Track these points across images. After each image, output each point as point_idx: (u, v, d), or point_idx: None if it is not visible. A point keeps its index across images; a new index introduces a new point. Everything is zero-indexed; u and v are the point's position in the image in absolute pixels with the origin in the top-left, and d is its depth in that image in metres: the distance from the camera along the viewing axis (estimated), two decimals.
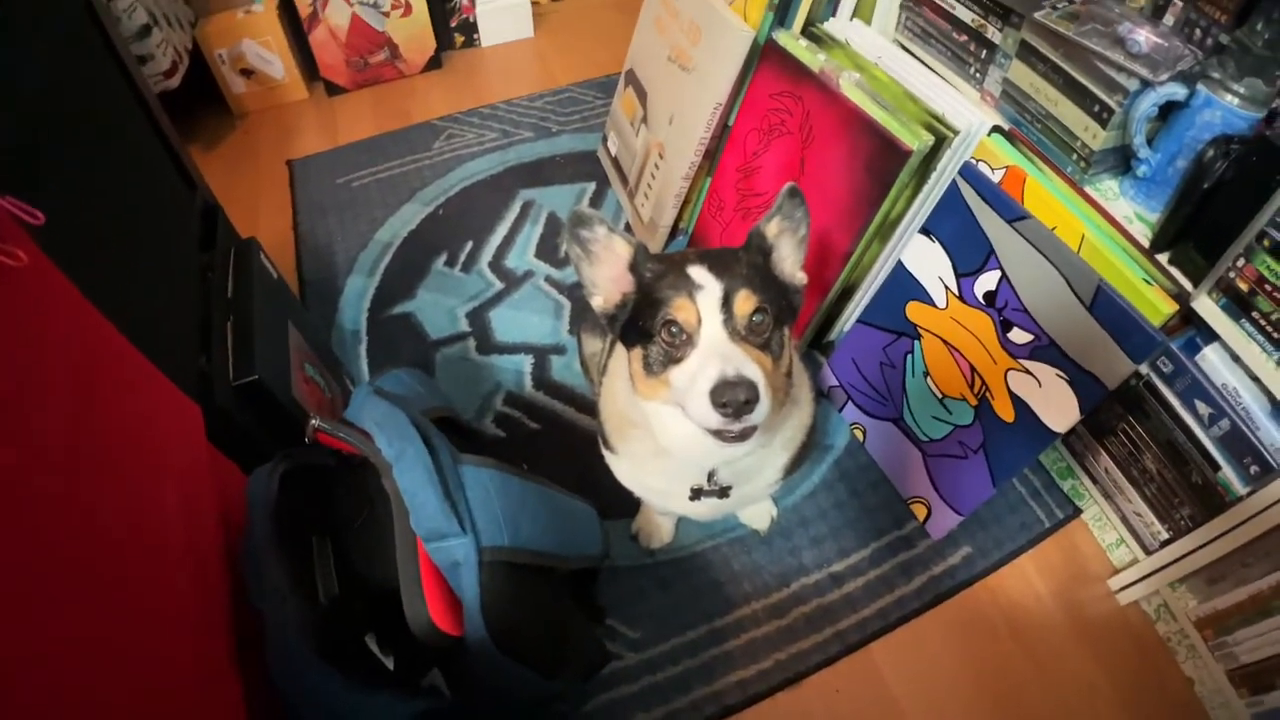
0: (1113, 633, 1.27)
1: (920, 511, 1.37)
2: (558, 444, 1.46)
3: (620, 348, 0.95)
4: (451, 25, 2.38)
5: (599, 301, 0.90)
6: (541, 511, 0.86)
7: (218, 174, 1.97)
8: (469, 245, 1.81)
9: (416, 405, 0.89)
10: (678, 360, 0.81)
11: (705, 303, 0.80)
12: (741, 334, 0.81)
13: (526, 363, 1.59)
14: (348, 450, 0.87)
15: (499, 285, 1.73)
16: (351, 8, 2.15)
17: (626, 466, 1.05)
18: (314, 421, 0.86)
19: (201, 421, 0.97)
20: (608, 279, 0.89)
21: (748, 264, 0.86)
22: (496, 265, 1.77)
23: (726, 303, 0.80)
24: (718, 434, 0.79)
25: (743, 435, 0.79)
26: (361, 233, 1.84)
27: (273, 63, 2.15)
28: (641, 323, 0.85)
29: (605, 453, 1.08)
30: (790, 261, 0.94)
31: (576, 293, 1.71)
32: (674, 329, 0.81)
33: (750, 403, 0.74)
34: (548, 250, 1.80)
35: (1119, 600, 1.30)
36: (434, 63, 2.34)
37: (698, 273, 0.82)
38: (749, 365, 0.76)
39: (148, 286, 1.06)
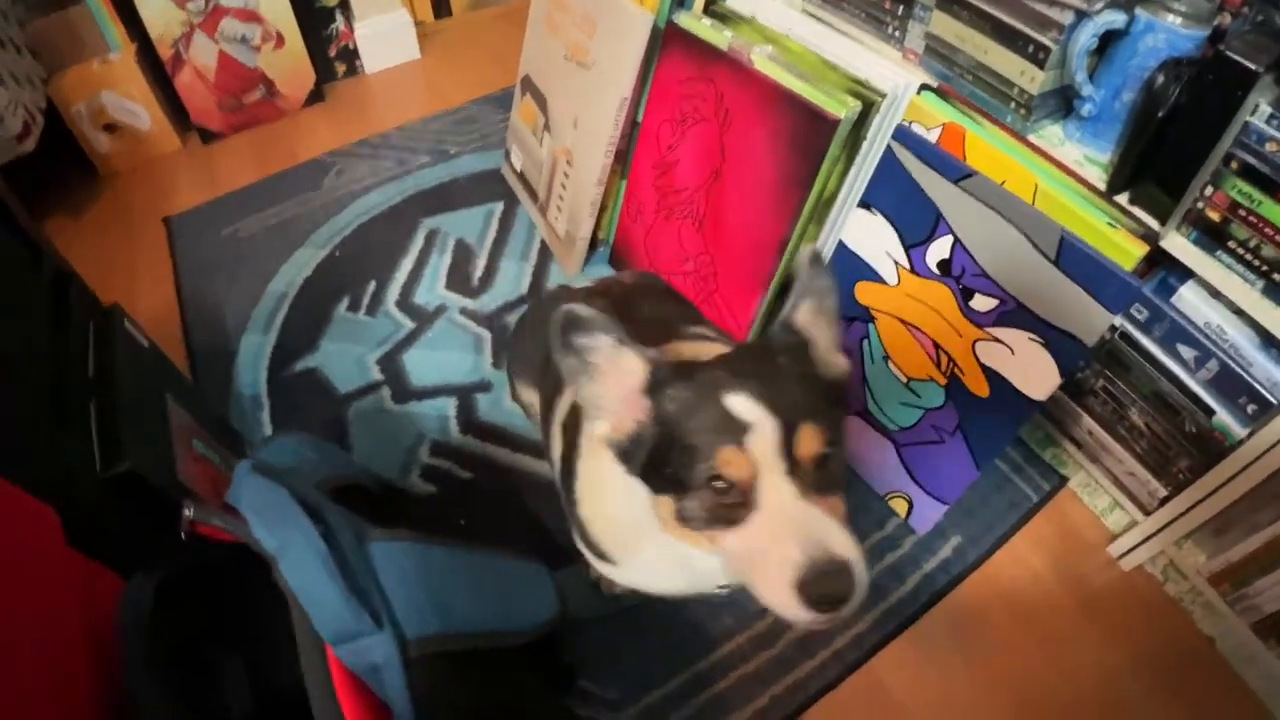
0: (1121, 601, 1.20)
1: (901, 506, 1.26)
2: (495, 491, 1.32)
3: (599, 469, 0.76)
4: (330, 54, 2.22)
5: (603, 428, 0.68)
6: (477, 583, 0.72)
7: (88, 243, 1.79)
8: (372, 285, 1.65)
9: (311, 477, 0.74)
10: (730, 522, 0.63)
11: (761, 449, 0.61)
12: (811, 482, 0.62)
13: (450, 406, 1.44)
14: (236, 540, 0.71)
15: (410, 325, 1.57)
16: (218, 45, 1.97)
17: (632, 574, 0.86)
18: (187, 513, 0.70)
19: (58, 525, 0.81)
20: (615, 399, 0.67)
21: (796, 377, 0.65)
22: (405, 303, 1.62)
23: (787, 443, 0.61)
24: (799, 618, 0.60)
25: (832, 618, 0.60)
26: (253, 286, 1.67)
27: (137, 113, 1.96)
28: (670, 469, 0.65)
29: (591, 558, 0.87)
30: (825, 346, 0.71)
31: (497, 323, 1.57)
32: (721, 485, 0.62)
33: (848, 596, 0.58)
34: (459, 280, 1.66)
35: (1122, 566, 1.22)
36: (315, 96, 2.17)
37: (741, 404, 0.62)
38: (836, 532, 0.59)
39: None
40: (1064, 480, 1.31)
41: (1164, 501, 1.13)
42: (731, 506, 0.62)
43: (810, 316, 0.69)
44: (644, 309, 1.01)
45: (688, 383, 0.65)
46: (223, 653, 0.79)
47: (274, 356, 1.53)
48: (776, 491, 0.61)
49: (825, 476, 0.63)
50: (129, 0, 1.86)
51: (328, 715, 0.57)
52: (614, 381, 0.67)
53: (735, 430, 0.61)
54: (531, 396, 1.16)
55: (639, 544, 0.80)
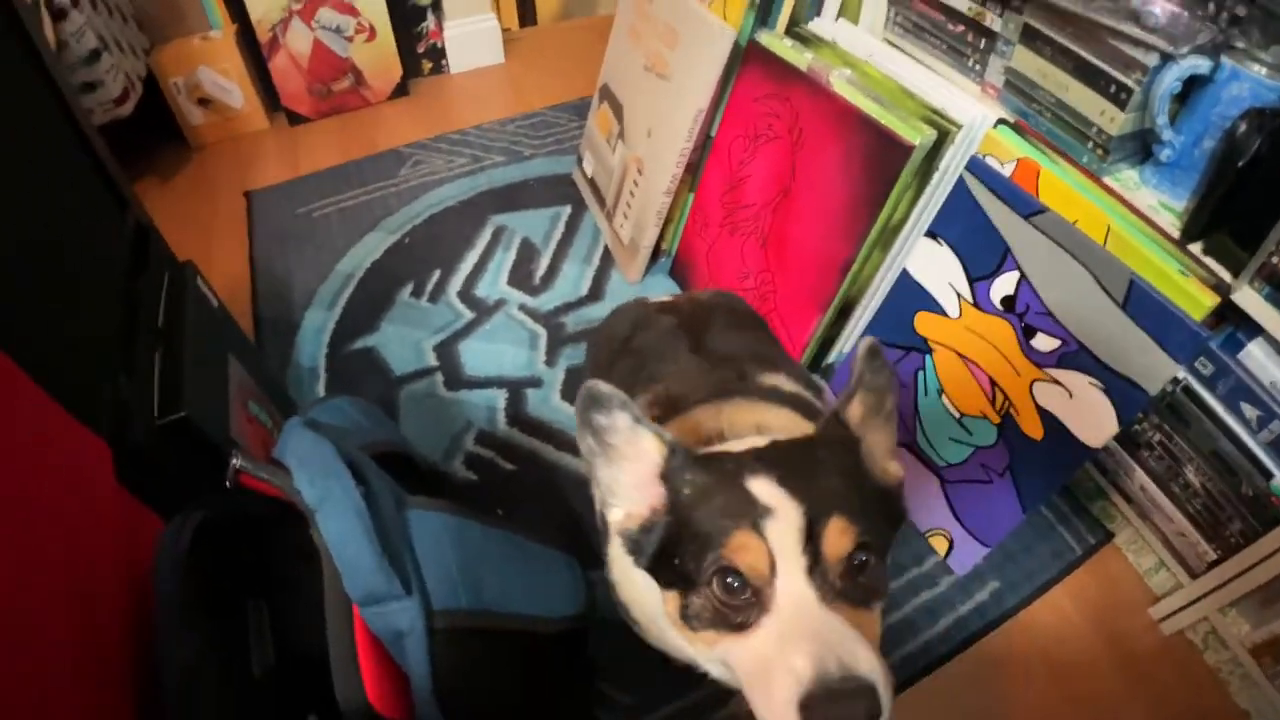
0: (1157, 666, 1.15)
1: (941, 545, 1.23)
2: (536, 486, 1.33)
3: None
4: (419, 51, 2.29)
5: (618, 515, 0.62)
6: (510, 565, 0.73)
7: (172, 207, 1.87)
8: (436, 274, 1.69)
9: (357, 439, 0.76)
10: (738, 626, 0.54)
11: (780, 538, 0.53)
12: (838, 588, 0.53)
13: (500, 398, 1.45)
14: (279, 495, 0.73)
15: (469, 315, 1.60)
16: (314, 33, 2.05)
17: (660, 643, 0.77)
18: (235, 462, 0.72)
19: (109, 461, 0.84)
20: (630, 485, 0.61)
21: (835, 469, 0.59)
22: (466, 295, 1.65)
23: (811, 537, 0.53)
24: None
25: None
26: (322, 264, 1.72)
27: (231, 91, 2.04)
28: (679, 560, 0.57)
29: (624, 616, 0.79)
30: (881, 450, 0.64)
31: (554, 321, 1.58)
32: (731, 581, 0.54)
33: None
34: (521, 277, 1.68)
35: (1163, 630, 1.17)
36: (400, 89, 2.24)
37: (763, 489, 0.55)
38: (858, 647, 0.50)
39: (54, 310, 0.93)
40: (1110, 535, 1.27)
41: (1213, 565, 1.08)
42: (741, 608, 0.54)
43: (864, 414, 0.62)
44: (716, 337, 0.96)
45: (707, 467, 0.59)
46: (251, 604, 0.80)
47: (335, 332, 1.58)
48: (793, 593, 0.52)
49: (856, 587, 0.54)
50: None
51: (347, 675, 0.58)
52: (630, 464, 0.61)
53: (753, 515, 0.54)
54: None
55: (664, 628, 0.70)
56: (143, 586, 0.77)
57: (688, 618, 0.57)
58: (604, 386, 0.59)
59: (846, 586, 0.54)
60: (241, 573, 0.83)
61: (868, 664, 0.49)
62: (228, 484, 0.73)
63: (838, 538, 0.53)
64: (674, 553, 0.58)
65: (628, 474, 0.61)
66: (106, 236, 1.12)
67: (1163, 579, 1.20)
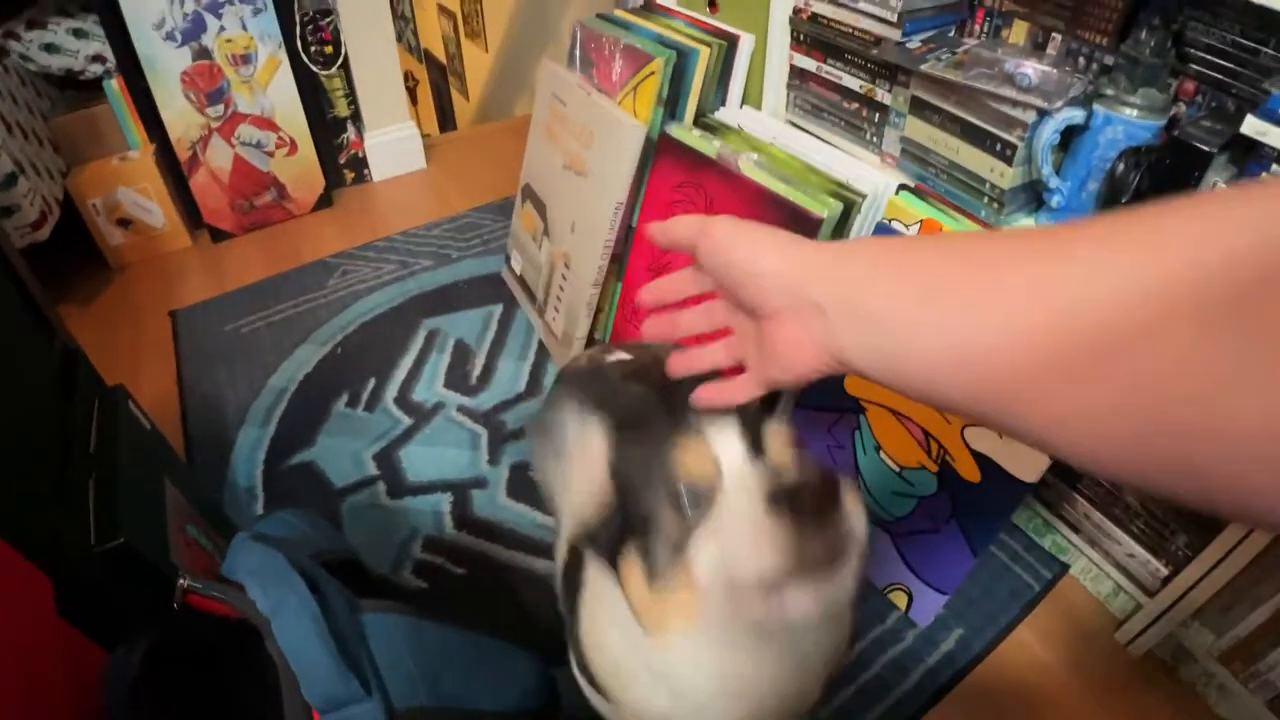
0: (1133, 689, 1.16)
1: (900, 599, 1.25)
2: (489, 588, 1.30)
3: (599, 585, 0.64)
4: (341, 162, 2.32)
5: (569, 524, 0.61)
6: (468, 660, 0.71)
7: (95, 330, 1.83)
8: (372, 382, 1.68)
9: (306, 549, 0.74)
10: (695, 529, 0.52)
11: (721, 440, 0.54)
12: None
13: (445, 502, 1.43)
14: (230, 614, 0.71)
15: (407, 421, 1.59)
16: (234, 149, 2.07)
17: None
18: (182, 582, 0.70)
19: (50, 594, 0.80)
20: (582, 483, 0.61)
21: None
22: (403, 400, 1.64)
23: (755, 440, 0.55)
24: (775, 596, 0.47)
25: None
26: (253, 380, 1.70)
27: (152, 211, 2.03)
28: (629, 520, 0.56)
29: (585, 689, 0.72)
30: None
31: (494, 420, 1.58)
32: (681, 491, 0.53)
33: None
34: (457, 378, 1.68)
35: (1131, 653, 1.19)
36: (324, 200, 2.26)
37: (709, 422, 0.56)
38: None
39: None
40: (1065, 567, 1.30)
41: (1166, 581, 1.12)
42: (696, 507, 0.52)
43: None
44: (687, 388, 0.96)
45: (651, 435, 0.58)
46: None
47: (270, 449, 1.54)
48: (739, 467, 0.52)
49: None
50: (151, 102, 1.96)
51: None
52: (580, 463, 0.61)
53: (696, 427, 0.55)
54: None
55: (634, 682, 0.65)
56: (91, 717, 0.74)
57: (653, 565, 0.54)
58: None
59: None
60: (194, 702, 0.79)
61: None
62: (175, 606, 0.71)
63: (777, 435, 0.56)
64: (624, 520, 0.57)
65: (577, 473, 0.62)
66: (33, 363, 1.10)
67: (1123, 602, 1.23)
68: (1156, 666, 1.19)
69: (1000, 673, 1.20)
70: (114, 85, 1.94)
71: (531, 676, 0.81)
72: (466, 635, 0.72)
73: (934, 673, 1.19)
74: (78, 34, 1.92)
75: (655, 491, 0.54)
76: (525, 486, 1.45)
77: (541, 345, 1.75)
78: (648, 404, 0.94)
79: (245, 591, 0.65)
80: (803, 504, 0.47)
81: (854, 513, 0.49)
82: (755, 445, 0.54)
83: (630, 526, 0.56)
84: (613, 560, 0.58)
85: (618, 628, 0.62)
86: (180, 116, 2.00)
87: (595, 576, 0.67)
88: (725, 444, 0.54)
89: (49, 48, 1.91)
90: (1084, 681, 1.18)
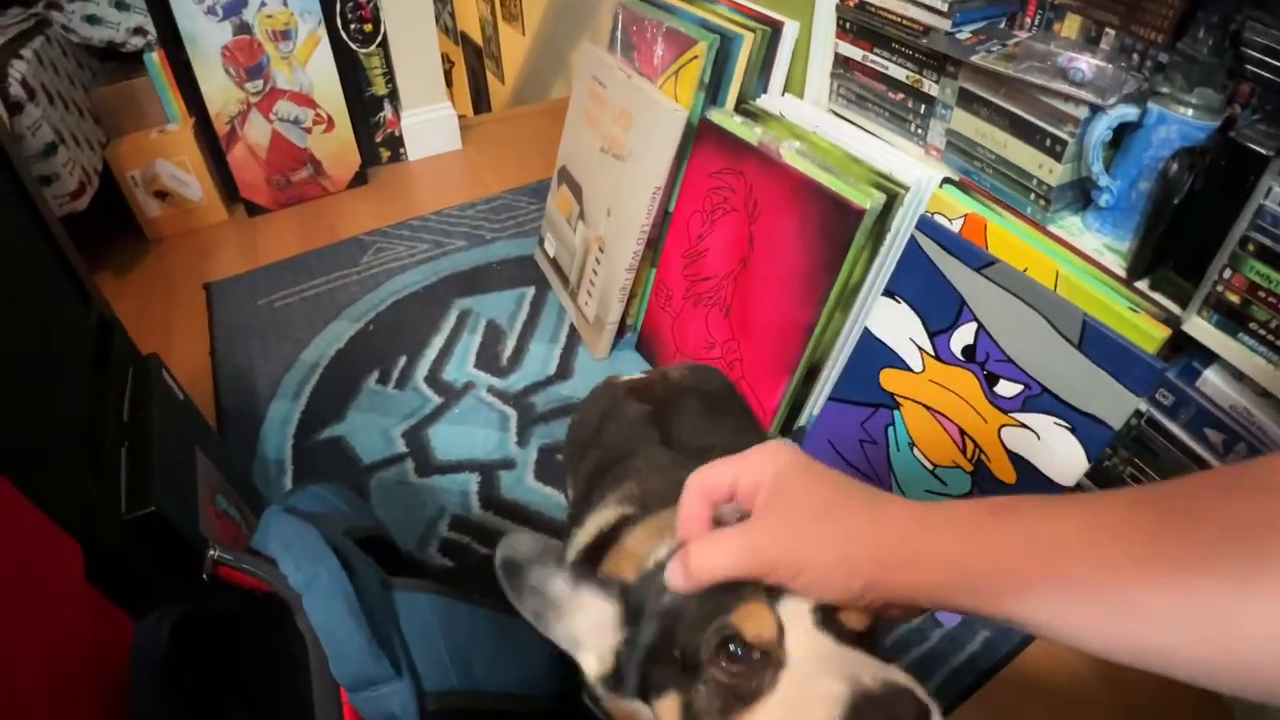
0: (1161, 701, 1.15)
1: None
2: None
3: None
4: (377, 140, 2.33)
5: (592, 663, 0.55)
6: (497, 644, 0.71)
7: (130, 301, 1.85)
8: (402, 361, 1.68)
9: (339, 524, 0.74)
10: (750, 698, 0.46)
11: (788, 603, 0.47)
12: (851, 639, 0.46)
13: (473, 482, 1.44)
14: (259, 587, 0.71)
15: (437, 400, 1.59)
16: (272, 125, 2.08)
17: None
18: (213, 553, 0.70)
19: (80, 560, 0.81)
20: (592, 629, 0.55)
21: None
22: (434, 379, 1.64)
23: (820, 609, 0.47)
24: None
25: None
26: (285, 355, 1.71)
27: (189, 184, 2.05)
28: (665, 663, 0.51)
29: None
30: None
31: (524, 402, 1.58)
32: (737, 649, 0.46)
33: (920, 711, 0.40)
34: (488, 359, 1.68)
35: None
36: (359, 179, 2.27)
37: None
38: (889, 669, 0.43)
39: (19, 406, 0.91)
40: None
41: None
42: (750, 674, 0.46)
43: None
44: (687, 428, 0.92)
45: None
46: (230, 705, 0.77)
47: (301, 423, 1.55)
48: (805, 642, 0.46)
49: (870, 644, 0.47)
50: (191, 75, 1.98)
51: None
52: (584, 614, 0.55)
53: (755, 586, 0.47)
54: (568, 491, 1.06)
55: None
56: (115, 688, 0.74)
57: (694, 716, 0.49)
58: (522, 549, 0.53)
59: (859, 639, 0.47)
60: (219, 675, 0.79)
61: (903, 677, 0.42)
62: (205, 577, 0.71)
63: (848, 614, 0.47)
64: (657, 659, 0.51)
65: (584, 622, 0.55)
66: (70, 332, 1.11)
67: None
68: None
69: (1026, 675, 1.18)
70: (154, 58, 1.95)
71: (552, 661, 0.80)
72: (495, 618, 0.71)
73: (959, 674, 1.17)
74: (120, 6, 1.94)
75: (708, 634, 0.48)
76: (553, 469, 1.45)
77: (573, 329, 1.74)
78: (643, 424, 0.93)
79: (276, 565, 0.65)
80: None
81: None
82: (823, 614, 0.47)
83: (659, 659, 0.51)
84: (634, 691, 0.53)
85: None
86: (220, 91, 2.02)
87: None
88: (791, 608, 0.47)
89: (91, 19, 1.93)
90: (1111, 690, 1.16)
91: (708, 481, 0.51)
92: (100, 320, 1.19)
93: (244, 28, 1.96)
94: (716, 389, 1.06)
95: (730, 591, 0.48)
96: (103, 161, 1.90)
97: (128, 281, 1.96)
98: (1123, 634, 0.38)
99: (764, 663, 0.46)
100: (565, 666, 0.88)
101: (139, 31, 1.96)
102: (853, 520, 0.46)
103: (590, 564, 0.70)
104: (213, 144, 2.09)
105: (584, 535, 0.80)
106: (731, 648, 0.46)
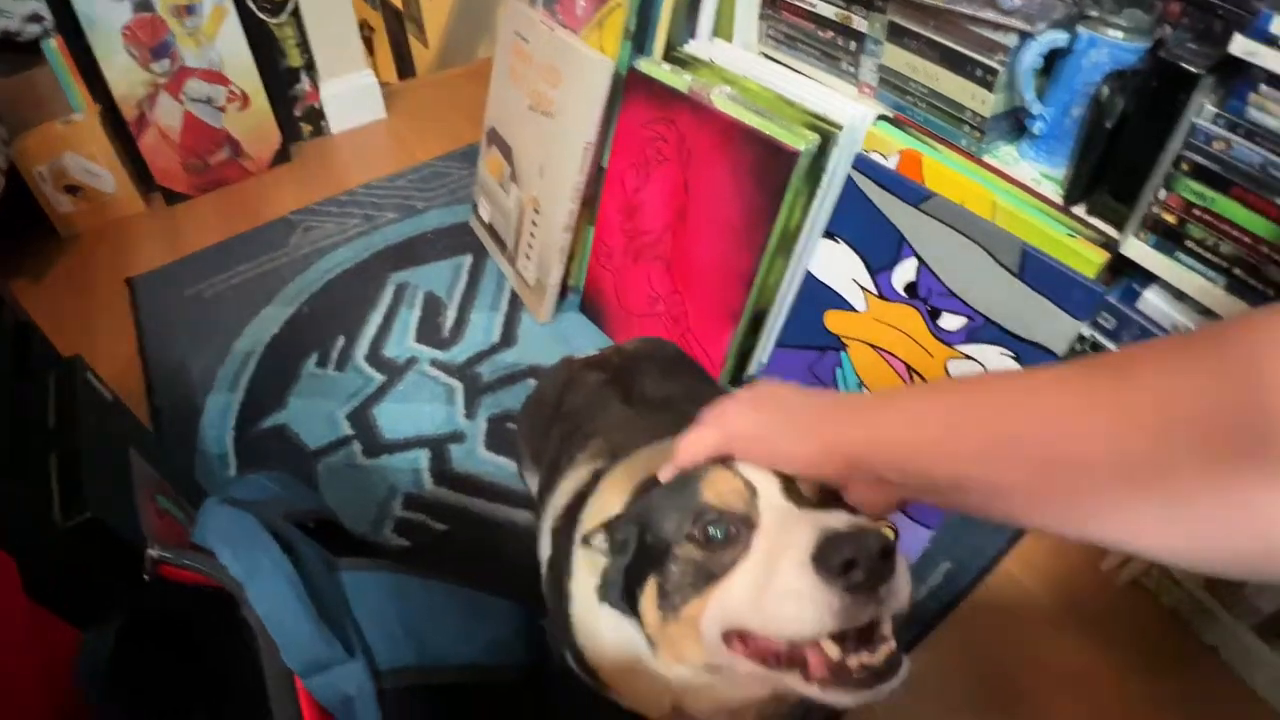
0: (1120, 618, 1.18)
1: (887, 536, 1.24)
2: (471, 541, 1.29)
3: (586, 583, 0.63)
4: (297, 114, 2.23)
5: (550, 516, 0.65)
6: (455, 616, 0.69)
7: (48, 304, 1.76)
8: (341, 341, 1.63)
9: (278, 509, 0.71)
10: (724, 569, 0.49)
11: (754, 473, 0.52)
12: (816, 503, 0.51)
13: (423, 458, 1.41)
14: (205, 582, 0.68)
15: (380, 379, 1.55)
16: (183, 106, 1.98)
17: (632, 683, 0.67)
18: (152, 553, 0.67)
19: (14, 573, 0.78)
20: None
21: None
22: (375, 357, 1.60)
23: (787, 481, 0.52)
24: (840, 673, 0.46)
25: (890, 664, 0.47)
26: (218, 346, 1.64)
27: (101, 176, 1.95)
28: (643, 558, 0.54)
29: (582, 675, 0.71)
30: None
31: (469, 373, 1.55)
32: (711, 520, 0.50)
33: (890, 556, 0.44)
34: (429, 332, 1.64)
35: (1116, 582, 1.21)
36: (282, 156, 2.18)
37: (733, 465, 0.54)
38: (859, 517, 0.49)
39: None
40: None
41: None
42: (724, 545, 0.50)
43: None
44: (648, 386, 0.95)
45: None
46: (187, 707, 0.75)
47: (241, 414, 1.50)
48: (778, 506, 0.50)
49: (841, 505, 0.52)
50: (93, 61, 1.86)
51: None
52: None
53: (724, 460, 0.54)
54: (532, 479, 1.08)
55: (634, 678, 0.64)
56: (68, 705, 0.72)
57: (668, 594, 0.52)
58: None
59: (831, 501, 0.52)
60: (176, 678, 0.77)
61: (868, 520, 0.49)
62: (146, 577, 0.68)
63: (805, 484, 0.52)
64: (641, 553, 0.55)
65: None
66: None
67: None
68: (1142, 595, 1.20)
69: (988, 606, 1.21)
70: (53, 45, 1.83)
71: (520, 627, 0.79)
72: (453, 590, 0.70)
73: (922, 606, 1.19)
74: None
75: (681, 514, 0.52)
76: (504, 438, 1.43)
77: (514, 294, 1.71)
78: (603, 388, 0.96)
79: (216, 558, 0.62)
80: (854, 563, 0.43)
81: (902, 577, 0.46)
82: (790, 490, 0.52)
83: (640, 558, 0.55)
84: (630, 592, 0.56)
85: (614, 632, 0.62)
86: (124, 74, 1.91)
87: (582, 573, 0.66)
88: (759, 477, 0.52)
89: None
90: (1072, 612, 1.19)
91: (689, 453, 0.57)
92: (16, 326, 1.14)
93: (145, 5, 1.85)
94: (670, 354, 1.10)
95: (698, 474, 0.54)
96: (8, 160, 1.79)
97: (45, 284, 1.86)
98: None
99: (736, 535, 0.50)
100: (538, 633, 0.87)
101: (35, 19, 1.83)
102: (835, 405, 0.53)
103: (569, 520, 0.73)
104: (122, 132, 1.98)
105: (560, 497, 0.82)
106: (709, 524, 0.50)
